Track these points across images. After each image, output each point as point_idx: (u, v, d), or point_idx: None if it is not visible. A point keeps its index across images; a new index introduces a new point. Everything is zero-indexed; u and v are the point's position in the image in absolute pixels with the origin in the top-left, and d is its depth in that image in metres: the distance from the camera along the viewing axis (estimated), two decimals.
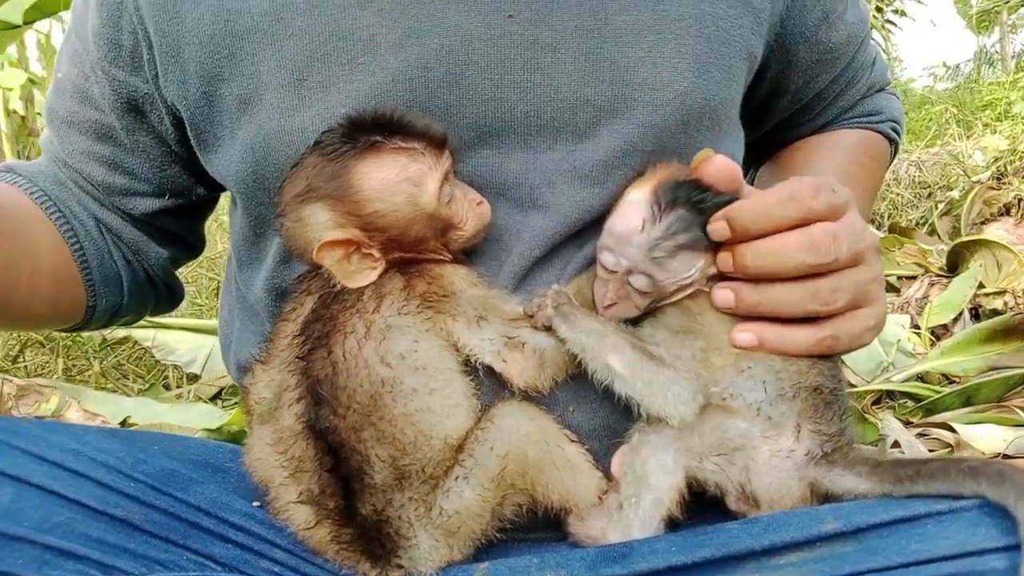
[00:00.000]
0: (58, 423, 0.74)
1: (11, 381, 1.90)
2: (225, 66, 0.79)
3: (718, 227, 0.68)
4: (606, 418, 0.73)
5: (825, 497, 0.67)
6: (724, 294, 0.69)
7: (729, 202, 0.69)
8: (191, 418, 1.79)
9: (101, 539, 0.64)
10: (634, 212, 0.70)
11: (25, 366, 2.26)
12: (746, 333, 0.69)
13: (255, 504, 0.73)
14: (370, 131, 0.68)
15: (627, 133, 0.75)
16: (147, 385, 2.28)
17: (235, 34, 0.78)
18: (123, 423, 1.76)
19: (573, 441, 0.71)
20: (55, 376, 2.24)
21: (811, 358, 0.69)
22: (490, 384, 0.72)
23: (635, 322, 0.74)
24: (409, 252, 0.71)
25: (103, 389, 2.15)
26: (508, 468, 0.67)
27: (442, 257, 0.72)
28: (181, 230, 1.01)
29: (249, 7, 0.78)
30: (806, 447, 0.68)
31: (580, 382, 0.72)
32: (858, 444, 0.69)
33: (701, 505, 0.71)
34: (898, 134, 1.05)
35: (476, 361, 0.69)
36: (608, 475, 0.72)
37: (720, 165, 0.70)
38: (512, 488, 0.68)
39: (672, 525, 0.70)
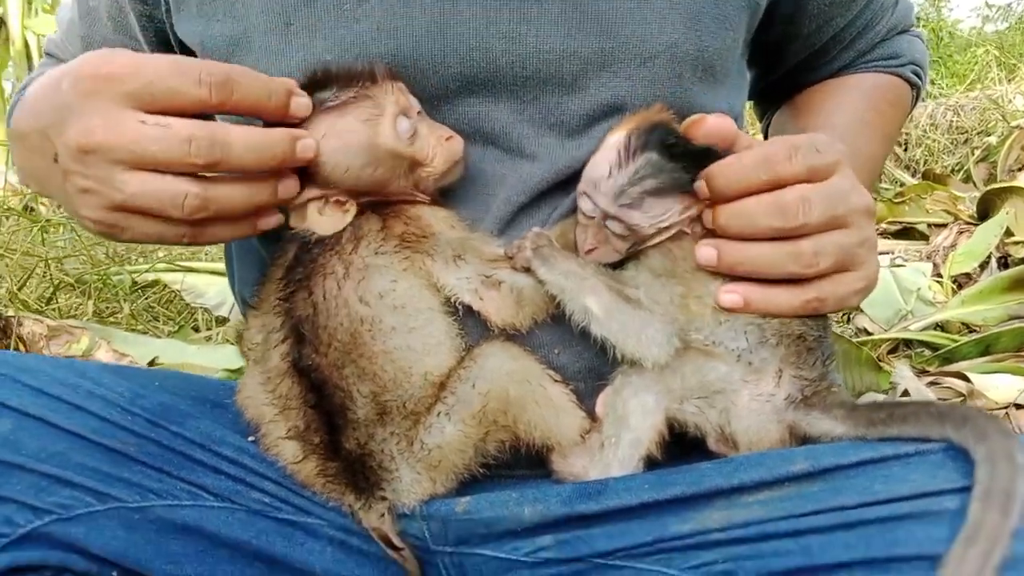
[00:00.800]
0: (60, 359, 0.77)
1: (43, 322, 1.96)
2: (220, 6, 0.80)
3: (699, 186, 0.68)
4: (591, 360, 0.74)
5: (803, 439, 0.68)
6: (707, 251, 0.69)
7: (707, 149, 0.68)
8: (217, 360, 1.84)
9: (97, 468, 0.68)
10: (604, 158, 0.70)
11: (58, 307, 2.32)
12: (731, 294, 0.68)
13: (249, 440, 0.76)
14: (318, 90, 0.69)
15: (614, 86, 0.75)
16: (176, 328, 2.34)
17: None
18: (151, 363, 1.82)
19: (556, 381, 0.72)
20: (86, 318, 2.31)
21: None
22: (474, 325, 0.73)
23: (620, 264, 0.74)
24: (378, 195, 0.72)
25: (133, 331, 2.21)
26: (489, 405, 0.69)
27: (418, 198, 0.73)
28: None
29: None
30: (786, 391, 0.68)
31: (566, 325, 0.72)
32: (838, 388, 0.69)
33: (683, 447, 0.73)
34: (920, 78, 1.02)
35: (455, 300, 0.70)
36: (592, 415, 0.74)
37: (711, 126, 0.69)
38: (494, 425, 0.70)
39: (651, 465, 0.71)
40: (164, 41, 0.90)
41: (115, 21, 0.92)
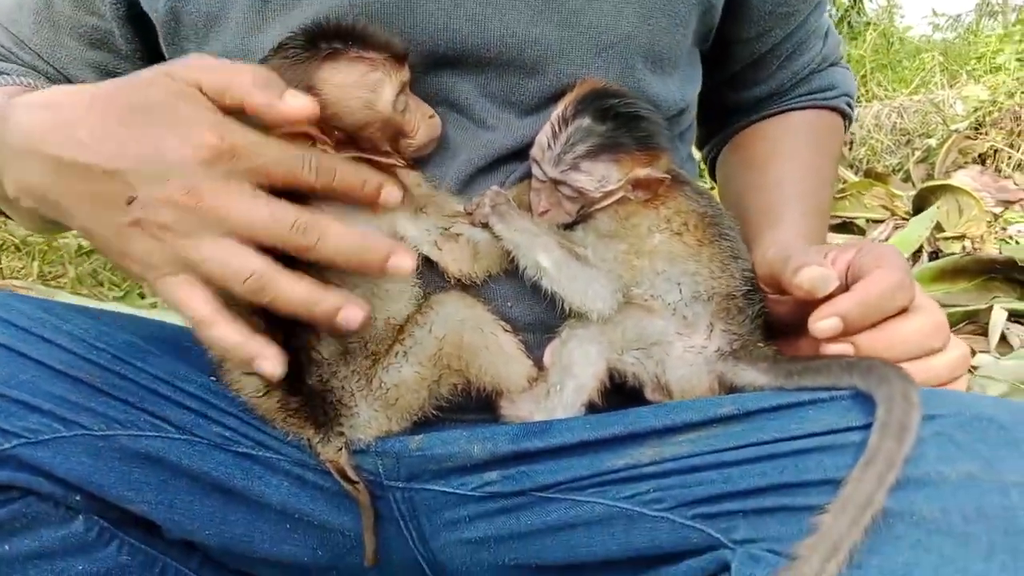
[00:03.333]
0: (28, 296, 0.78)
1: None
2: None
3: (829, 325, 0.66)
4: (541, 314, 0.78)
5: (730, 389, 0.74)
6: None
7: (635, 112, 0.74)
8: None
9: (63, 397, 0.70)
10: (547, 126, 0.76)
11: (1, 269, 2.29)
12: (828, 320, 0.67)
13: (211, 379, 0.79)
14: (332, 39, 0.72)
15: (571, 72, 0.80)
16: (122, 293, 2.32)
17: None
18: None
19: (507, 331, 0.77)
20: (31, 279, 2.28)
21: (723, 263, 0.75)
22: (432, 277, 0.77)
23: (570, 226, 0.79)
24: (362, 152, 0.75)
25: (78, 295, 2.19)
26: (444, 349, 0.73)
27: (394, 161, 0.77)
28: None
29: None
30: (717, 344, 0.74)
31: (519, 280, 0.77)
32: (763, 344, 0.75)
33: (623, 399, 0.78)
34: (851, 107, 1.09)
35: (416, 251, 0.74)
36: (540, 365, 0.79)
37: (812, 278, 0.68)
38: (448, 368, 0.74)
39: (593, 412, 0.77)
40: (132, 17, 0.88)
41: None
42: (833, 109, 1.06)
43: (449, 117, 0.80)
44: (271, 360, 0.66)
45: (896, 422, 0.55)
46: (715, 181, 1.13)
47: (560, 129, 0.75)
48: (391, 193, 0.70)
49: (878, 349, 0.66)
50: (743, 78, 1.04)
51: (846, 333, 0.67)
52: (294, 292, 0.65)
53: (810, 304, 0.68)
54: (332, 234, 0.65)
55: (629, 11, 0.81)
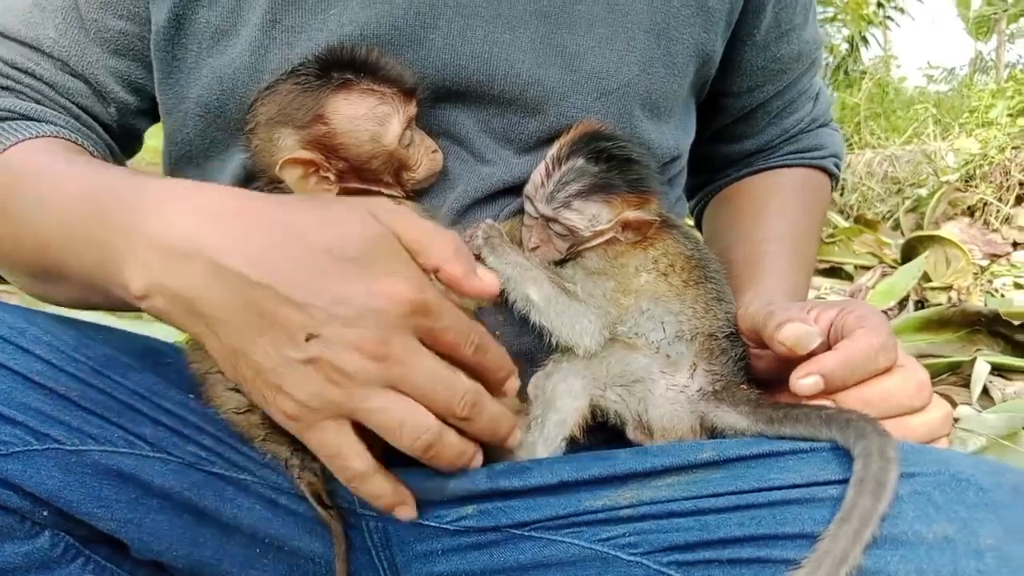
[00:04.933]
0: (12, 305, 0.77)
1: None
2: None
3: (811, 383, 0.67)
4: (528, 345, 0.78)
5: (712, 431, 0.74)
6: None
7: (630, 155, 0.75)
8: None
9: (39, 409, 0.69)
10: (541, 165, 0.78)
11: None
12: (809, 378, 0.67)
13: (190, 396, 0.78)
14: (345, 69, 0.73)
15: (571, 115, 0.81)
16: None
17: None
18: None
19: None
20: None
21: (707, 304, 0.75)
22: None
23: (560, 263, 0.80)
24: (363, 183, 0.76)
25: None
26: None
27: (395, 193, 0.78)
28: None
29: None
30: (699, 384, 0.74)
31: (508, 311, 0.77)
32: (747, 387, 0.75)
33: (606, 438, 0.78)
34: (838, 167, 1.11)
35: None
36: (523, 397, 0.78)
37: (796, 335, 0.68)
38: None
39: (575, 448, 0.76)
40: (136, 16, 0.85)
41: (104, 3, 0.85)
42: (821, 169, 1.08)
43: (450, 149, 0.81)
44: (411, 507, 0.70)
45: (873, 478, 0.55)
46: (701, 233, 1.14)
47: (554, 168, 0.76)
48: (511, 389, 0.71)
49: (858, 406, 0.66)
50: (733, 132, 1.06)
51: (827, 392, 0.67)
52: (458, 443, 0.67)
53: (790, 361, 0.68)
54: (489, 406, 0.67)
55: (631, 59, 0.83)
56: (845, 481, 0.57)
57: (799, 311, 0.72)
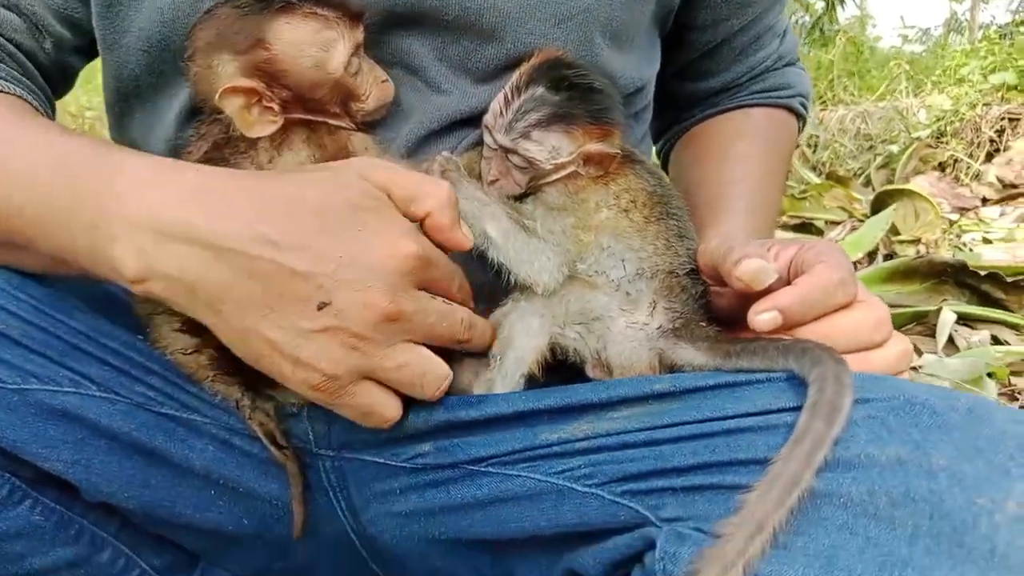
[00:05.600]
0: None
1: None
2: None
3: (768, 318, 0.65)
4: (486, 283, 0.77)
5: (670, 367, 0.73)
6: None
7: (590, 84, 0.73)
8: None
9: None
10: (500, 94, 0.75)
11: None
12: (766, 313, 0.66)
13: (139, 338, 0.76)
14: None
15: (529, 41, 0.78)
16: None
17: None
18: None
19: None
20: None
21: (668, 241, 0.74)
22: None
23: (520, 198, 0.78)
24: (309, 113, 0.73)
25: None
26: None
27: (344, 125, 0.75)
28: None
29: None
30: (659, 321, 0.73)
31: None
32: (706, 324, 0.74)
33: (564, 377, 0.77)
34: (805, 108, 1.09)
35: None
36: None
37: (752, 270, 0.67)
38: None
39: (533, 385, 0.76)
40: None
41: None
42: (787, 108, 1.06)
43: (403, 79, 0.78)
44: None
45: (827, 403, 0.55)
46: (668, 175, 1.12)
47: (513, 97, 0.74)
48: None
49: (817, 340, 0.65)
50: (699, 68, 1.04)
51: (785, 327, 0.66)
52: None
53: (749, 297, 0.68)
54: (479, 326, 0.72)
55: None
56: (800, 408, 0.57)
57: (758, 247, 0.71)
